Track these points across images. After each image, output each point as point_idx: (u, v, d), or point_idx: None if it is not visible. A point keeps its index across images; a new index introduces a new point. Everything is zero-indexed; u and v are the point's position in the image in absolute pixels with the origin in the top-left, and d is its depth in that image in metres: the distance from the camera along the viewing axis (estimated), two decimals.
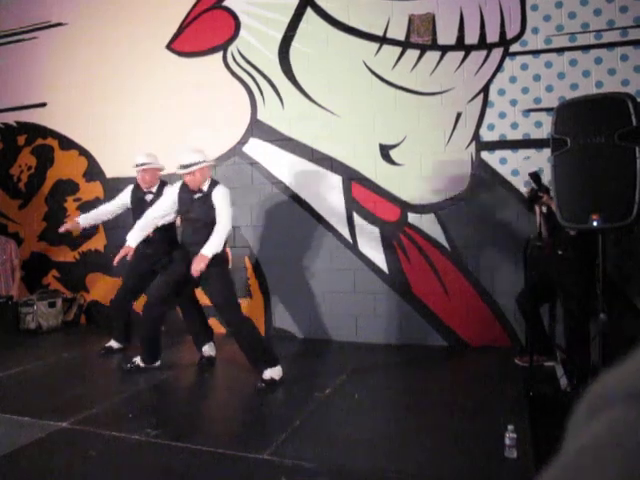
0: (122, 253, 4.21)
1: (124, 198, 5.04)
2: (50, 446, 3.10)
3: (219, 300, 4.13)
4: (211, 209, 4.13)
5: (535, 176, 3.92)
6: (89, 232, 6.46)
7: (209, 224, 4.12)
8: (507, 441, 2.55)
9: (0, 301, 6.09)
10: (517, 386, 3.72)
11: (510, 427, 2.57)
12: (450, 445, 2.91)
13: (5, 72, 7.01)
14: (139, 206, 4.81)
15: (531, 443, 2.72)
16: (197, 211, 4.17)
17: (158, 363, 4.50)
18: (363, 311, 5.33)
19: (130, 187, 5.04)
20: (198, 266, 3.92)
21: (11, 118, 7.01)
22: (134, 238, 4.28)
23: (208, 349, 4.68)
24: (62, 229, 5.02)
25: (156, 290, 4.29)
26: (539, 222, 4.10)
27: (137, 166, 4.88)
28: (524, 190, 4.46)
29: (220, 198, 4.16)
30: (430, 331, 5.15)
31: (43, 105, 6.80)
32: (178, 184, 4.33)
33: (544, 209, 4.01)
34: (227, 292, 4.15)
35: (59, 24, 6.68)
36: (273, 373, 4.03)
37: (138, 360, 4.45)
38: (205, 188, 4.18)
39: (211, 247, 4.00)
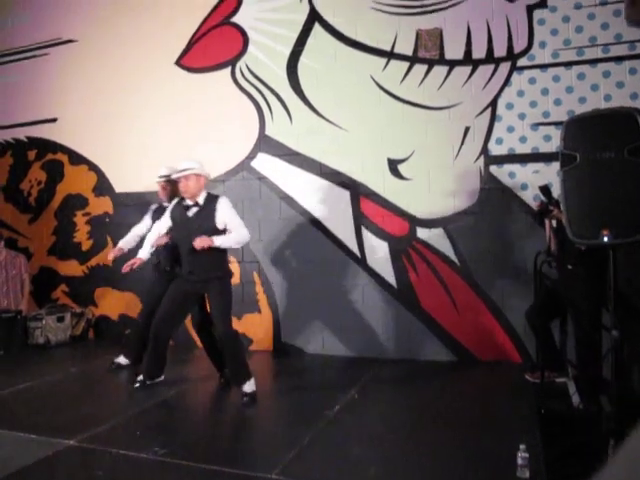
0: (131, 262, 4.25)
1: (147, 218, 5.02)
2: (57, 465, 3.09)
3: (217, 311, 4.12)
4: (211, 224, 4.08)
5: (545, 189, 3.90)
6: (98, 247, 6.52)
7: None
8: (519, 461, 2.52)
9: (9, 316, 6.10)
10: (528, 403, 3.68)
11: (522, 447, 2.53)
12: (461, 464, 2.88)
13: (17, 88, 7.08)
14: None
15: (544, 462, 2.68)
16: (195, 227, 4.08)
17: (162, 377, 4.51)
18: (372, 326, 5.30)
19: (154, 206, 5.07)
20: (202, 243, 3.92)
21: (22, 133, 7.07)
22: (144, 251, 4.36)
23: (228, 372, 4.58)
24: (110, 257, 4.90)
25: (159, 311, 4.30)
26: (549, 236, 4.07)
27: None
28: (534, 204, 4.43)
29: (229, 211, 4.15)
30: (439, 346, 5.11)
31: (54, 120, 6.86)
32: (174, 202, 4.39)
33: (554, 223, 3.98)
34: (225, 306, 4.14)
35: (70, 41, 6.76)
36: (252, 386, 4.09)
37: (143, 377, 4.45)
38: (201, 201, 4.14)
39: (221, 239, 4.03)
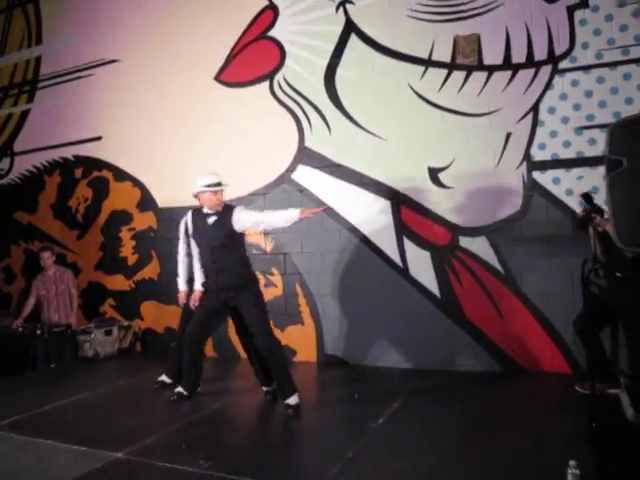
0: (194, 299, 4.58)
1: (182, 237, 4.97)
2: (106, 477, 3.14)
3: (255, 321, 4.17)
4: (229, 229, 4.24)
5: (587, 197, 3.79)
6: (143, 262, 6.66)
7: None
8: (570, 478, 2.42)
9: (59, 330, 6.28)
10: (579, 416, 3.55)
11: (572, 463, 2.44)
12: None
13: (64, 109, 7.33)
14: None
15: (596, 479, 2.58)
16: (214, 234, 4.26)
17: (199, 388, 4.61)
18: (415, 336, 5.23)
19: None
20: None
21: (69, 152, 7.30)
22: (198, 282, 4.65)
23: (271, 387, 4.50)
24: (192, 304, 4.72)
25: (191, 323, 4.42)
26: (594, 244, 3.95)
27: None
28: (579, 210, 4.30)
29: (245, 211, 4.34)
30: (485, 356, 5.01)
31: (99, 139, 7.06)
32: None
33: (599, 229, 3.86)
34: (262, 313, 4.22)
35: (113, 61, 6.96)
36: (296, 398, 4.12)
37: (181, 389, 4.52)
38: (220, 210, 4.28)
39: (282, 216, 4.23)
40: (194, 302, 4.49)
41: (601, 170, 4.12)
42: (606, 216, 3.69)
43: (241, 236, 4.33)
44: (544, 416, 3.81)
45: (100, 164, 7.05)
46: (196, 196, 4.80)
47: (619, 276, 3.75)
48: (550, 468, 2.81)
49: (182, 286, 4.89)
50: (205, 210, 4.30)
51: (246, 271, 4.31)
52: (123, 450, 3.45)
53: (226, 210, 4.26)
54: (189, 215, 4.50)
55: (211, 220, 4.26)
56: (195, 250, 4.50)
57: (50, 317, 6.46)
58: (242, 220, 4.21)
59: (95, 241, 7.09)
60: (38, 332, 6.06)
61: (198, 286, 4.53)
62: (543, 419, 3.74)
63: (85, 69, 7.13)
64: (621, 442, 2.86)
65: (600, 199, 3.93)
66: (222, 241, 4.20)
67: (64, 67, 7.31)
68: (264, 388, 4.53)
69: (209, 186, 4.25)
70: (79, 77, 7.19)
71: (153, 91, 6.65)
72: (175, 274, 4.86)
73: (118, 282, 6.92)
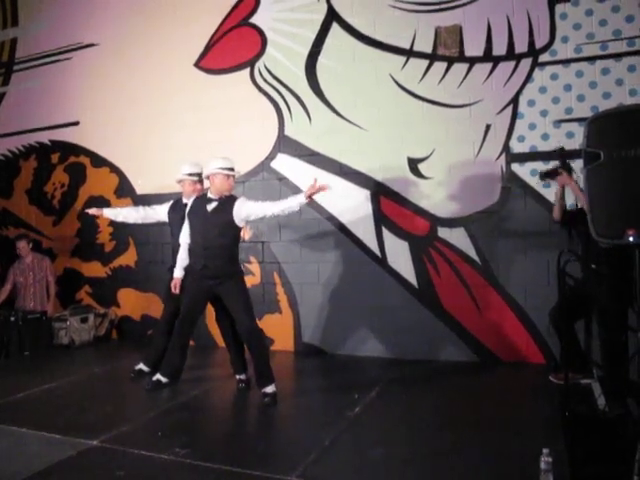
0: (174, 285, 4.52)
1: (162, 210, 4.98)
2: (80, 465, 3.11)
3: (240, 308, 4.14)
4: (229, 219, 4.21)
5: (561, 152, 3.82)
6: (120, 249, 6.59)
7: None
8: (542, 465, 2.46)
9: (35, 317, 6.19)
10: (552, 405, 3.61)
11: (545, 451, 2.47)
12: (483, 469, 2.84)
13: (41, 92, 7.18)
14: None
15: (568, 467, 2.63)
16: (212, 221, 4.19)
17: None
18: (393, 326, 5.26)
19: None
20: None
21: (45, 137, 7.17)
22: (179, 271, 4.57)
23: (244, 376, 4.54)
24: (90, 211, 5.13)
25: (182, 310, 4.37)
26: (568, 237, 4.00)
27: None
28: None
29: (248, 202, 4.27)
30: (461, 346, 5.06)
31: (76, 124, 6.94)
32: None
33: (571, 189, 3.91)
34: (247, 302, 4.20)
35: (91, 45, 6.83)
36: (273, 387, 4.12)
37: (159, 376, 4.48)
38: (223, 198, 4.25)
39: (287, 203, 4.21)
40: (174, 289, 4.44)
41: (578, 163, 4.16)
42: (575, 177, 3.76)
43: (237, 229, 4.24)
44: (518, 405, 3.87)
45: (77, 149, 6.94)
46: (180, 182, 4.79)
47: (594, 268, 3.81)
48: (524, 455, 2.85)
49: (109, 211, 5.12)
50: (209, 195, 4.23)
51: (233, 263, 4.25)
52: (98, 438, 3.42)
53: (228, 199, 4.19)
54: (191, 199, 4.43)
55: (211, 206, 4.18)
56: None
57: (26, 304, 6.37)
58: (245, 212, 4.15)
59: (71, 227, 6.99)
60: (12, 319, 5.97)
61: (178, 273, 4.46)
62: (517, 408, 3.80)
63: (62, 52, 7.00)
64: (592, 430, 2.91)
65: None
66: (218, 230, 4.13)
67: (41, 50, 7.16)
68: (237, 376, 4.53)
69: (224, 169, 4.17)
70: (56, 60, 7.05)
71: (132, 76, 6.55)
72: (152, 261, 4.81)
73: (94, 269, 6.83)
